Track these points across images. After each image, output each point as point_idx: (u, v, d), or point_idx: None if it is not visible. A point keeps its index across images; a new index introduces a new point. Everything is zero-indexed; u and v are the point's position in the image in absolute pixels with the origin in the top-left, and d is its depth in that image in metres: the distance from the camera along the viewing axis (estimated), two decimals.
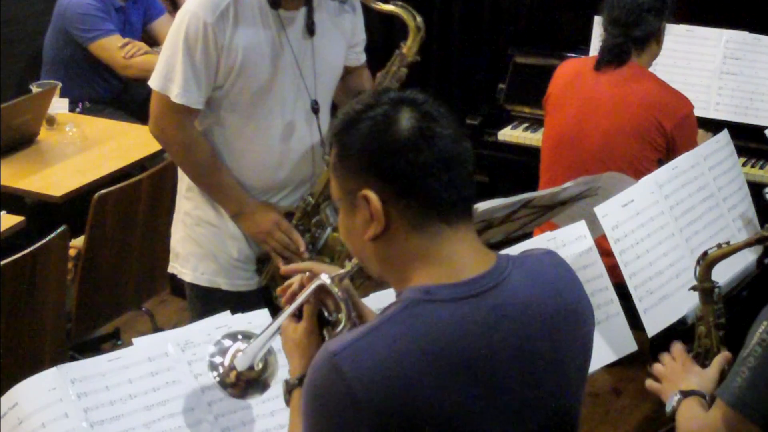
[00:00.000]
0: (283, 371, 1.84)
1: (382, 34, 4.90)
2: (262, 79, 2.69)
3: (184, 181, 2.88)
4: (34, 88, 4.22)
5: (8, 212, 3.49)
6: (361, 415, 1.45)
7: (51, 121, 4.19)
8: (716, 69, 4.16)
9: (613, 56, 3.41)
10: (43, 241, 3.09)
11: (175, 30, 2.67)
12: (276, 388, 1.87)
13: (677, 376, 2.14)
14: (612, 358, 2.49)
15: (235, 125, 2.75)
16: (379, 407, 1.45)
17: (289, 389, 1.74)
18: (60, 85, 4.30)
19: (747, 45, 4.15)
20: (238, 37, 2.63)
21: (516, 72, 4.53)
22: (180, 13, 2.67)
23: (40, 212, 4.07)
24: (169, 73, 2.66)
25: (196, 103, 2.68)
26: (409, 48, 2.76)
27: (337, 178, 1.62)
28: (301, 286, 1.79)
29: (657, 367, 2.21)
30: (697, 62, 4.19)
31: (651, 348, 3.96)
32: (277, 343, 1.83)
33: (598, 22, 4.05)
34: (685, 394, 2.06)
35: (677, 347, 2.24)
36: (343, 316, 1.73)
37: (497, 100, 4.58)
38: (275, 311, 2.71)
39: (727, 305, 2.68)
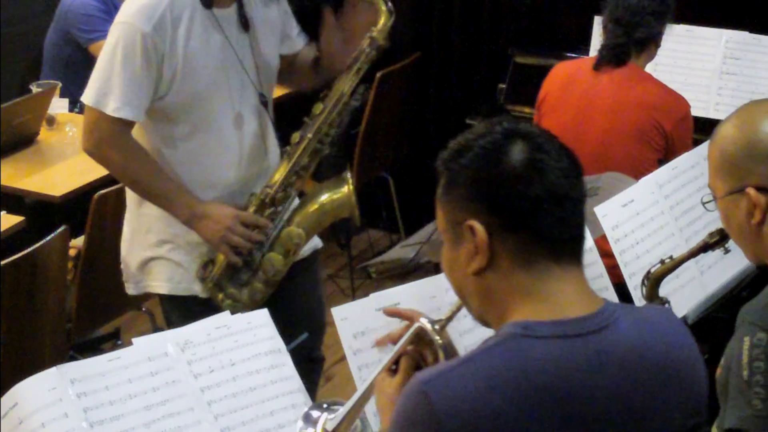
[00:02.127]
0: None
1: None
2: (207, 80, 2.68)
3: (133, 198, 2.83)
4: (34, 88, 4.22)
5: (8, 212, 3.49)
6: None
7: (51, 121, 4.19)
8: (716, 69, 4.16)
9: (614, 56, 3.41)
10: (43, 241, 3.09)
11: (111, 44, 2.63)
12: (271, 387, 1.87)
13: None
14: None
15: (187, 129, 2.72)
16: None
17: None
18: (60, 85, 4.30)
19: (747, 45, 4.15)
20: (178, 42, 2.61)
21: (516, 72, 4.53)
22: (114, 27, 2.64)
23: (40, 212, 4.07)
24: (104, 87, 2.63)
25: (136, 116, 2.64)
26: (379, 31, 2.76)
27: (442, 208, 1.56)
28: (399, 338, 1.75)
29: None
30: (697, 62, 4.19)
31: None
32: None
33: (598, 22, 4.05)
34: None
35: None
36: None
37: (497, 100, 4.58)
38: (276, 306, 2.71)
39: (727, 305, 2.68)
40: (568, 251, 1.52)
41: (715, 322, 2.88)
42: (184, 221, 2.74)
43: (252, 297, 2.81)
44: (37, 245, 3.07)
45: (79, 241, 3.53)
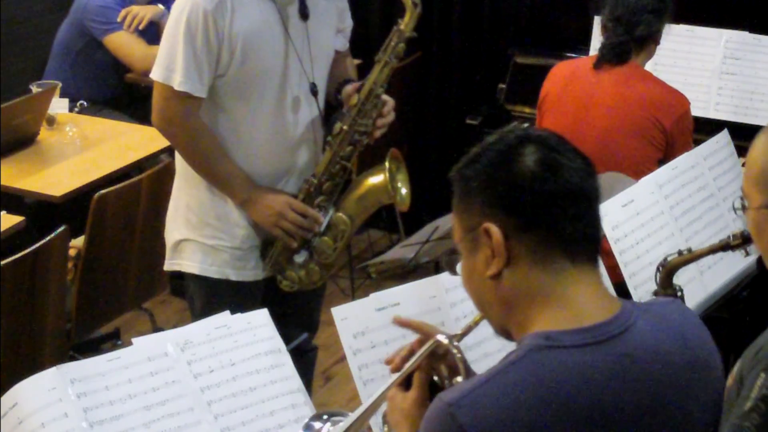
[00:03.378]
0: None
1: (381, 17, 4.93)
2: (264, 64, 2.73)
3: (184, 176, 2.89)
4: (34, 88, 4.22)
5: (8, 212, 3.49)
6: None
7: (51, 121, 4.19)
8: (716, 69, 4.16)
9: (615, 55, 3.41)
10: (43, 241, 3.09)
11: (174, 20, 2.69)
12: (271, 387, 1.86)
13: None
14: None
15: (240, 112, 2.78)
16: None
17: None
18: (60, 85, 4.30)
19: (747, 45, 4.15)
20: (238, 24, 2.66)
21: (516, 72, 4.53)
22: (178, 3, 2.69)
23: (40, 212, 4.07)
24: (170, 63, 2.69)
25: (199, 91, 2.70)
26: (406, 24, 2.79)
27: (458, 216, 1.56)
28: (411, 353, 1.73)
29: None
30: (697, 62, 4.19)
31: None
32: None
33: (598, 22, 4.05)
34: None
35: None
36: (461, 379, 1.65)
37: (497, 100, 4.58)
38: (279, 299, 2.74)
39: (727, 305, 2.68)
40: (584, 251, 1.51)
41: (715, 322, 2.88)
42: (239, 204, 2.82)
43: (309, 278, 2.92)
44: (37, 245, 3.07)
45: (79, 241, 3.53)
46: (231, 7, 2.65)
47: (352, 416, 1.74)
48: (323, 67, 2.90)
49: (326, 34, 2.88)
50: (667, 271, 2.25)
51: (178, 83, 2.68)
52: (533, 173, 1.48)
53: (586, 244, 1.51)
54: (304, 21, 2.78)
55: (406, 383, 1.69)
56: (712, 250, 2.20)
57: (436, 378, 1.72)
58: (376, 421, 1.86)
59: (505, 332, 1.57)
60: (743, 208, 1.92)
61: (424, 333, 1.77)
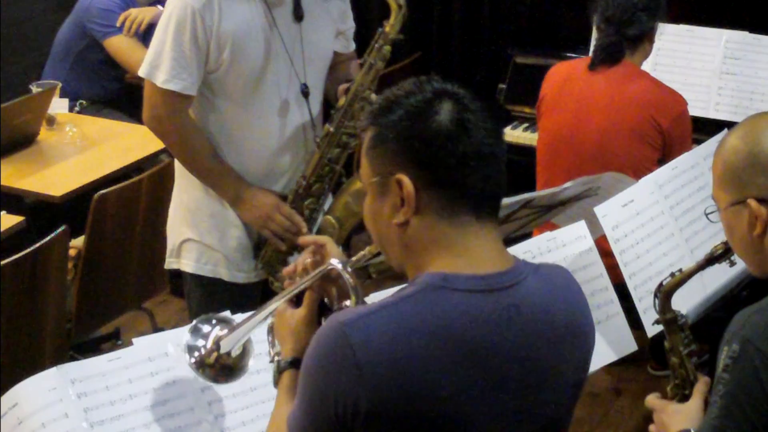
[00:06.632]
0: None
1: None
2: (255, 65, 2.72)
3: (183, 175, 2.89)
4: (34, 88, 4.22)
5: (8, 212, 3.49)
6: (362, 381, 1.46)
7: (51, 121, 4.19)
8: (716, 69, 4.17)
9: (607, 55, 3.41)
10: (43, 241, 3.09)
11: (164, 19, 2.70)
12: (271, 387, 1.86)
13: (666, 426, 2.12)
14: (612, 358, 2.49)
15: (231, 112, 2.77)
16: (381, 377, 1.46)
17: (280, 370, 1.74)
18: (60, 85, 4.31)
19: (747, 45, 4.15)
20: (227, 23, 2.66)
21: (516, 72, 4.53)
22: (169, 2, 2.70)
23: (40, 212, 4.07)
24: (157, 60, 2.70)
25: (187, 88, 2.70)
26: (391, 26, 2.77)
27: (369, 161, 1.61)
28: (306, 271, 1.79)
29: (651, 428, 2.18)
30: (697, 62, 4.19)
31: (651, 348, 3.98)
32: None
33: None
34: None
35: (653, 402, 2.20)
36: (352, 303, 1.71)
37: (497, 100, 4.58)
38: None
39: (728, 305, 2.68)
40: (488, 207, 1.59)
41: (715, 322, 2.88)
42: (229, 202, 2.82)
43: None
44: (37, 245, 3.07)
45: (79, 241, 3.53)
46: (219, 7, 2.65)
47: (243, 324, 1.80)
48: (319, 69, 2.88)
49: (323, 36, 2.86)
50: (665, 295, 2.24)
51: (161, 81, 2.69)
52: (448, 132, 1.54)
53: (491, 201, 1.59)
54: (298, 22, 2.76)
55: (296, 300, 1.76)
56: (700, 267, 2.19)
57: (326, 299, 1.78)
58: None
59: (401, 269, 1.63)
60: (717, 211, 1.93)
61: (321, 253, 1.82)
